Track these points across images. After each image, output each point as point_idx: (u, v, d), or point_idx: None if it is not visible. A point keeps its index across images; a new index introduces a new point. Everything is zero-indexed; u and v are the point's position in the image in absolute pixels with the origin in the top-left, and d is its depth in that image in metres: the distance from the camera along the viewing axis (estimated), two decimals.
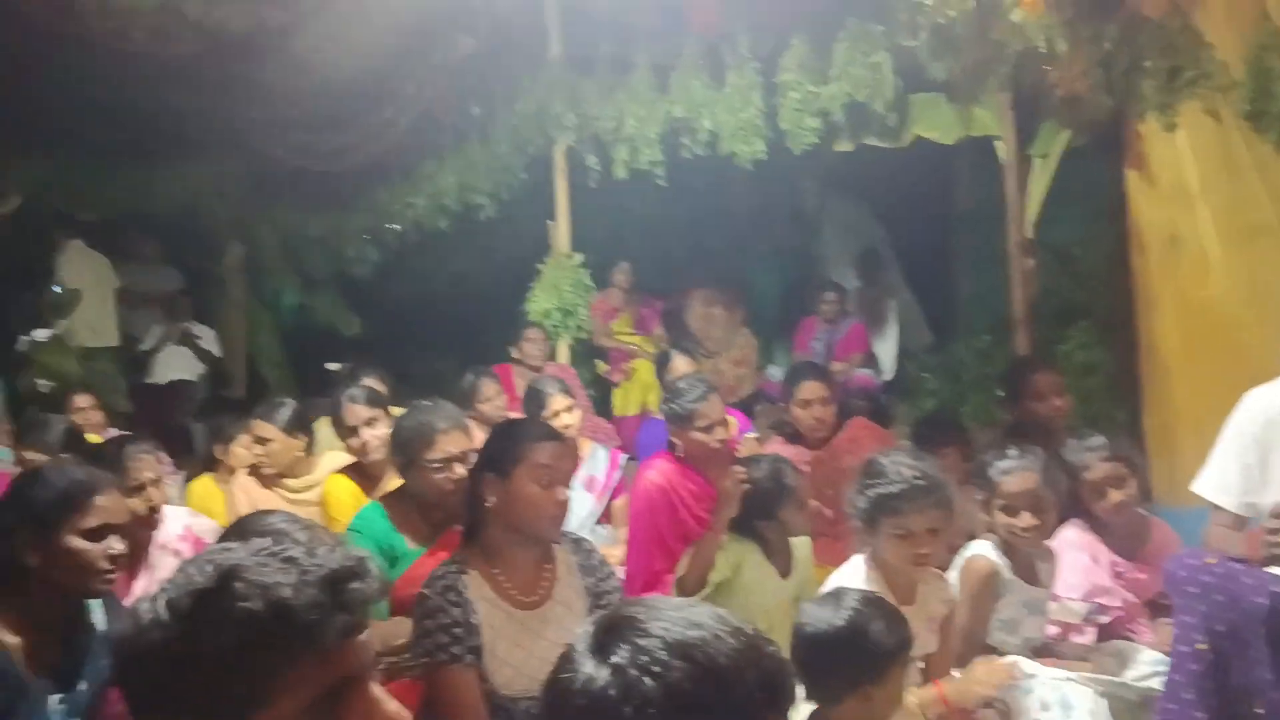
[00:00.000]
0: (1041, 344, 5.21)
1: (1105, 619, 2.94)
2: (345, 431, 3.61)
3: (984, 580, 2.63)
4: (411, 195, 6.99)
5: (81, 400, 5.18)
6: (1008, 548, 2.70)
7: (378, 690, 1.08)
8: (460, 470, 2.85)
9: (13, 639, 2.09)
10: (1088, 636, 2.92)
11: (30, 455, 3.84)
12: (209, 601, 1.01)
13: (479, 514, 2.36)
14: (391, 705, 1.08)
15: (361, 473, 3.58)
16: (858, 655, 1.88)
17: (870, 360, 6.68)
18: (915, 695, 2.28)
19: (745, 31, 5.24)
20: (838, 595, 2.02)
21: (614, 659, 1.00)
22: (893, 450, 2.53)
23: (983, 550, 2.69)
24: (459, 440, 2.89)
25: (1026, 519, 2.62)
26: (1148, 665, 2.73)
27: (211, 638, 0.99)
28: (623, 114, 5.50)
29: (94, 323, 6.84)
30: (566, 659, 1.05)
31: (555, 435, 2.45)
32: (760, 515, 3.01)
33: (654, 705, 0.97)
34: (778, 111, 5.11)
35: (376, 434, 3.49)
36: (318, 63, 6.51)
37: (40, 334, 6.34)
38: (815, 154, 5.43)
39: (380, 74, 6.88)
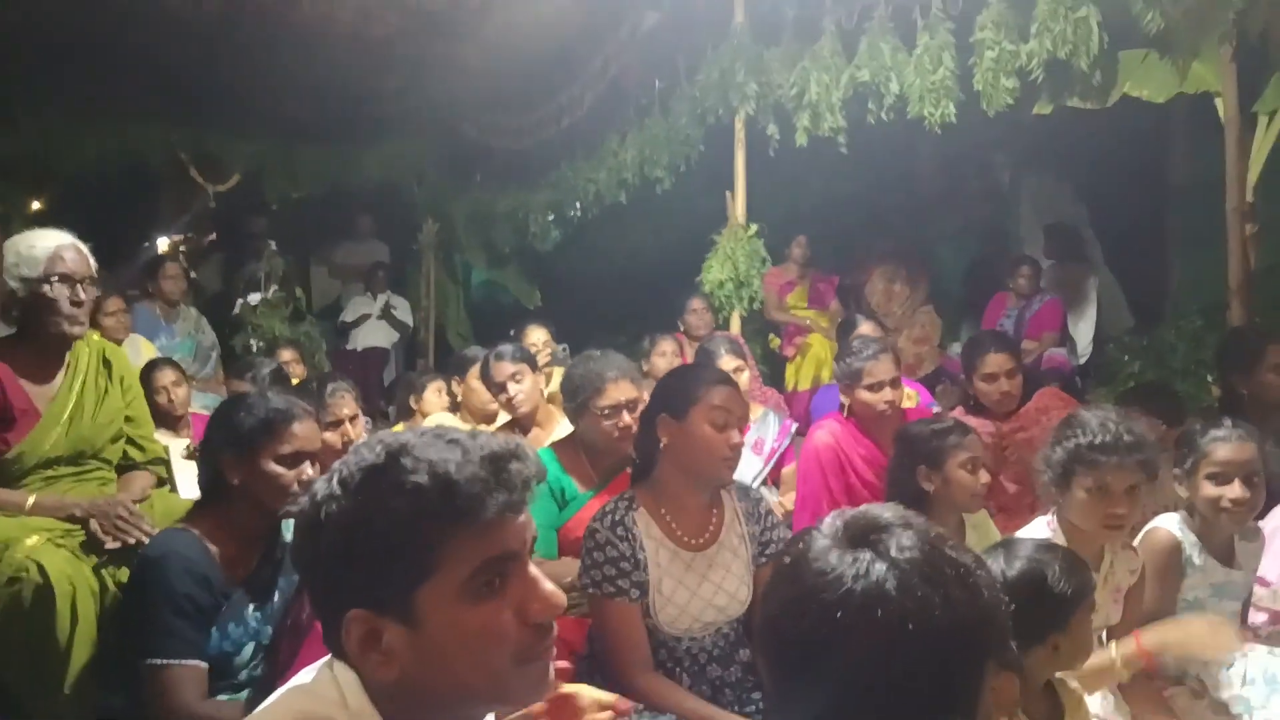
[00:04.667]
0: (1260, 326, 4.75)
1: None
2: (494, 388, 3.72)
3: (1163, 554, 2.44)
4: (593, 170, 7.09)
5: (286, 354, 5.57)
6: (1204, 525, 2.49)
7: (535, 570, 1.10)
8: (628, 418, 2.90)
9: (216, 548, 2.26)
10: None
11: (240, 387, 4.15)
12: (379, 475, 1.05)
13: (652, 455, 2.38)
14: (548, 585, 1.09)
15: (517, 429, 3.70)
16: (1039, 604, 1.76)
17: (1065, 341, 6.28)
18: (1115, 648, 2.11)
19: None
20: (1009, 545, 1.90)
21: (890, 554, 1.02)
22: (1098, 406, 2.35)
23: (1166, 523, 2.50)
24: (627, 389, 2.94)
25: (1237, 489, 2.39)
26: None
27: (381, 508, 1.03)
28: (806, 80, 5.37)
29: None
30: (810, 546, 1.07)
31: (729, 380, 2.42)
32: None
33: (934, 611, 0.99)
34: (972, 73, 4.86)
35: (522, 388, 3.63)
36: (510, 41, 6.73)
37: (254, 298, 6.85)
38: (1011, 123, 5.14)
39: (568, 51, 7.04)
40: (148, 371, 4.24)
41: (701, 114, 5.99)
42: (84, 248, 2.79)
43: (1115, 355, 6.30)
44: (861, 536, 1.05)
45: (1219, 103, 4.25)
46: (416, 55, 6.88)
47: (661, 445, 2.33)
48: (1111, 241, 7.12)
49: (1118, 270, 7.09)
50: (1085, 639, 1.82)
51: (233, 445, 2.30)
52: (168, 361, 4.53)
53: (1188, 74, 4.31)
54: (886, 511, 1.09)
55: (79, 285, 2.71)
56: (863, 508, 1.11)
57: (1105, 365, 6.38)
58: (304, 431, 2.36)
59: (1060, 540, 2.26)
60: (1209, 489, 2.43)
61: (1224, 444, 2.44)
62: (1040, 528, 2.34)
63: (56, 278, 2.67)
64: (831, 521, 1.09)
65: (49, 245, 2.71)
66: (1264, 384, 3.30)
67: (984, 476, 2.62)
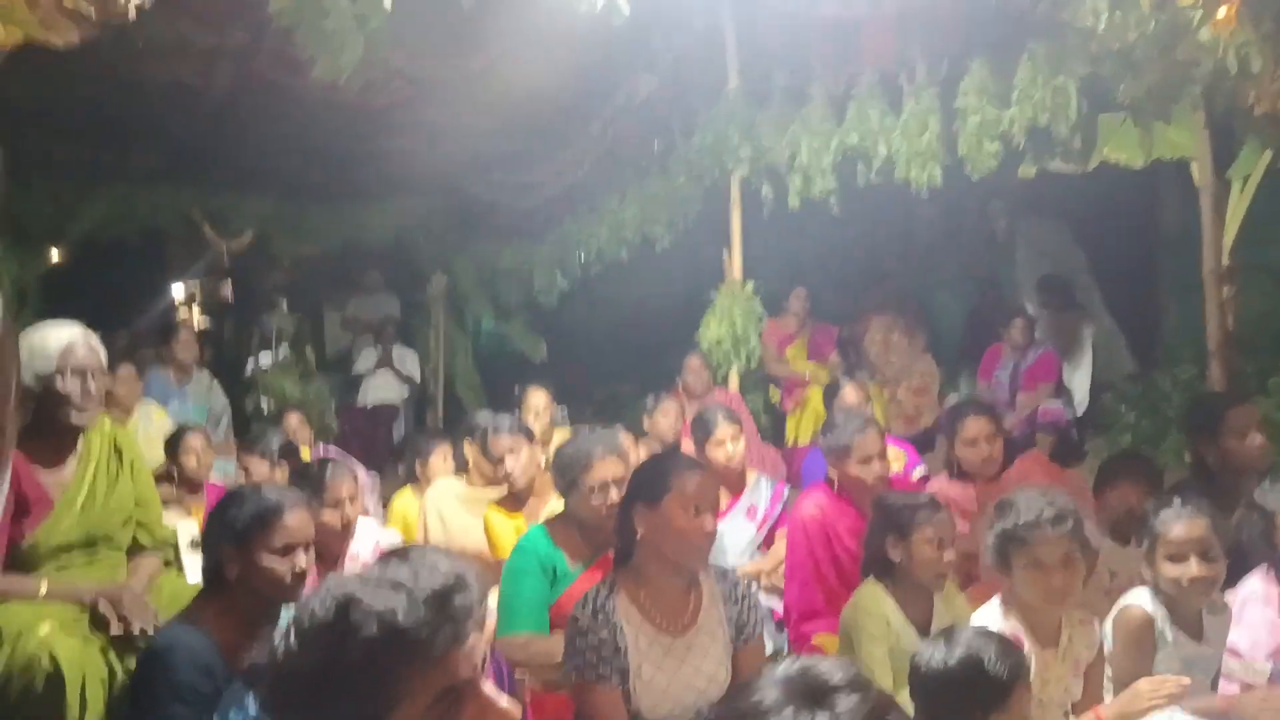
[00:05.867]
0: (1250, 375, 4.83)
1: None
2: (492, 462, 3.84)
3: (1137, 629, 2.51)
4: (595, 227, 7.27)
5: (293, 419, 5.71)
6: (1170, 600, 2.56)
7: (490, 690, 1.22)
8: (615, 495, 3.00)
9: (218, 637, 2.36)
10: None
11: (251, 461, 4.31)
12: (330, 632, 1.18)
13: (629, 541, 2.47)
14: (503, 702, 1.22)
15: (514, 500, 3.82)
16: (978, 688, 1.89)
17: (1061, 391, 6.35)
18: None
19: (923, 58, 5.18)
20: (949, 633, 2.03)
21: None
22: (1025, 487, 2.46)
23: (1138, 599, 2.57)
24: (615, 466, 3.05)
25: (1194, 567, 2.47)
26: None
27: (335, 662, 1.16)
28: (797, 143, 5.54)
29: None
30: (765, 699, 1.09)
31: (701, 466, 2.53)
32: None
33: None
34: (956, 137, 5.01)
35: (519, 462, 3.73)
36: (512, 105, 6.91)
37: (264, 358, 7.00)
38: (1003, 177, 5.27)
39: (569, 113, 7.22)
40: (178, 436, 4.48)
41: (698, 175, 6.15)
42: (95, 339, 2.92)
43: (1111, 405, 6.37)
44: (817, 696, 1.07)
45: (1194, 167, 4.37)
46: (419, 119, 7.07)
47: (638, 533, 2.43)
48: (1110, 286, 7.20)
49: (1117, 314, 7.16)
50: (1024, 717, 1.93)
51: (228, 539, 2.40)
52: (197, 429, 4.71)
53: (1162, 140, 4.44)
54: (837, 671, 1.11)
55: (90, 377, 2.84)
56: (816, 660, 1.14)
57: (1101, 415, 6.45)
58: (296, 523, 2.45)
59: (1013, 618, 2.36)
60: (1168, 569, 2.51)
61: (1175, 523, 2.51)
62: (993, 610, 2.44)
63: (69, 371, 2.80)
64: (786, 670, 1.12)
65: (61, 340, 2.84)
66: (1227, 450, 3.32)
67: (949, 555, 2.70)
